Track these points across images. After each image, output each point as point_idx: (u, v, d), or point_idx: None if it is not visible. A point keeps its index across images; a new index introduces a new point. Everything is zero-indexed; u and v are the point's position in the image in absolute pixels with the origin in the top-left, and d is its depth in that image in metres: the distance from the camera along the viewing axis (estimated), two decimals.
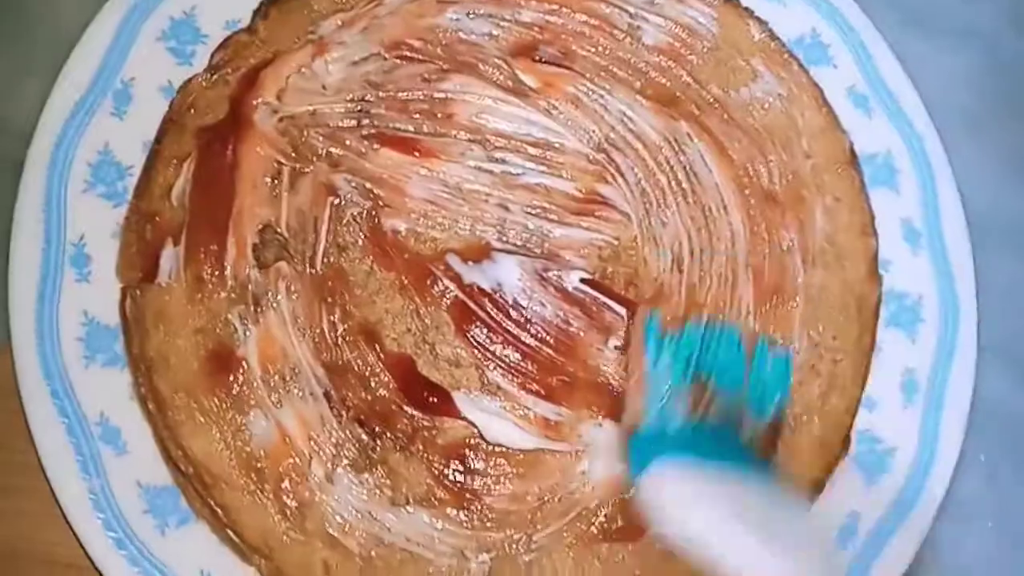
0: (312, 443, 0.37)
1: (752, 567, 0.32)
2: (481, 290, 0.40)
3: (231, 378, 0.37)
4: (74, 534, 0.36)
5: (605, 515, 0.38)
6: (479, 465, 0.38)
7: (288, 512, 0.36)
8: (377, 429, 0.38)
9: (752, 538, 0.32)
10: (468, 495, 0.38)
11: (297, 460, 0.37)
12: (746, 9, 0.45)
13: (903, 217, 0.44)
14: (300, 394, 0.38)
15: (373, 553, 0.37)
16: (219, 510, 0.36)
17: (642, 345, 0.39)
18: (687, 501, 0.34)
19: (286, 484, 0.37)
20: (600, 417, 0.39)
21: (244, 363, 0.38)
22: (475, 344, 0.40)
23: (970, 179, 0.45)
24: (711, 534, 0.33)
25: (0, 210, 0.40)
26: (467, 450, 0.38)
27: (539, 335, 0.40)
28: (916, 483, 0.40)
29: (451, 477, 0.38)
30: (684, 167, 0.43)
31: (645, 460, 0.35)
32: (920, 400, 0.41)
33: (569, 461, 0.39)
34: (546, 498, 0.38)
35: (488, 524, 0.38)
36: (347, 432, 0.38)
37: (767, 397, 0.39)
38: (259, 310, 0.39)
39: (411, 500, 0.37)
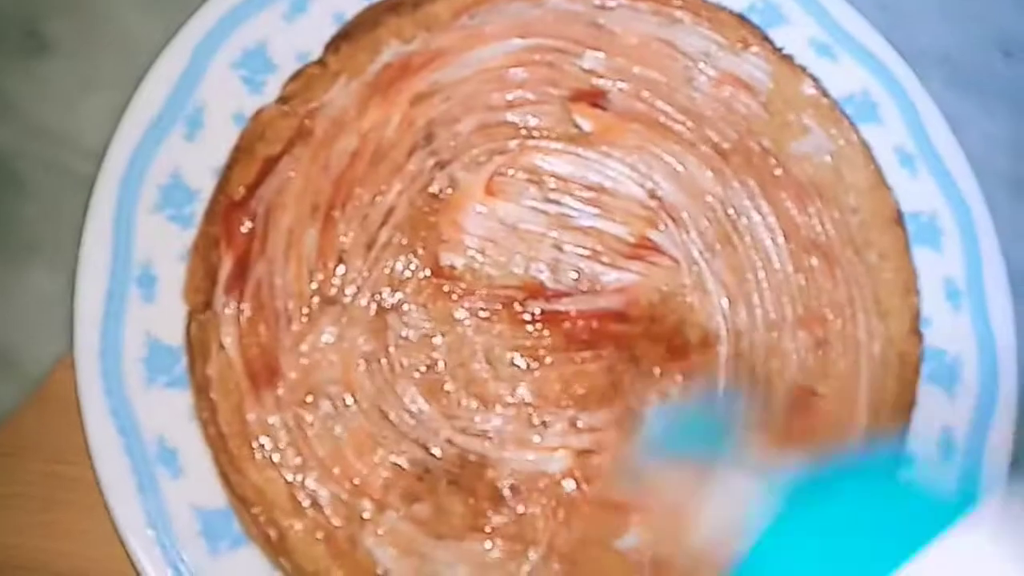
0: (363, 471, 0.38)
1: None
2: None
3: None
4: (125, 552, 0.36)
5: None
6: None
7: (338, 541, 0.37)
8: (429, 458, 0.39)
9: None
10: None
11: (348, 488, 0.38)
12: (799, 66, 0.47)
13: (945, 276, 0.45)
14: (351, 424, 0.39)
15: None
16: (272, 535, 0.36)
17: None
18: None
19: (337, 511, 0.37)
20: None
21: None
22: None
23: (1013, 240, 0.46)
24: None
25: (65, 221, 0.41)
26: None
27: None
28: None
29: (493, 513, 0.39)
30: (734, 216, 0.44)
31: None
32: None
33: None
34: None
35: None
36: (396, 463, 0.38)
37: None
38: (316, 340, 0.39)
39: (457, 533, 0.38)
